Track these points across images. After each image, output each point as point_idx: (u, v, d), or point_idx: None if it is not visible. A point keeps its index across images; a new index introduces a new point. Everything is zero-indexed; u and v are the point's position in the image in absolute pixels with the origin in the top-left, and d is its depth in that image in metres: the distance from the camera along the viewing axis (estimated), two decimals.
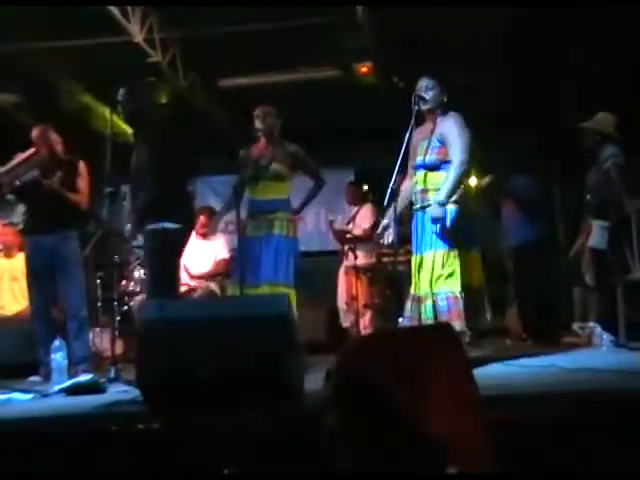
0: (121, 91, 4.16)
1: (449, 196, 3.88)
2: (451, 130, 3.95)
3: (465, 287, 3.88)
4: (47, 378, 4.10)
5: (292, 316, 2.87)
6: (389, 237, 4.14)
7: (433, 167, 4.02)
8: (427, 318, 3.85)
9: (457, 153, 3.90)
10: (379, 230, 4.21)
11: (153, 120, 4.26)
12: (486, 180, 5.85)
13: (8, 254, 5.93)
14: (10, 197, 4.73)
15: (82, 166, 4.70)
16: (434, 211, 3.89)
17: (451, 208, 3.94)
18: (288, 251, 4.41)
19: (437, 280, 3.87)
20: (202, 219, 6.14)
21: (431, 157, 4.01)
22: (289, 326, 2.81)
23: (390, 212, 4.02)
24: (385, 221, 4.13)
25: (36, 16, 5.85)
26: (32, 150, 4.61)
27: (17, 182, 4.55)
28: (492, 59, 6.57)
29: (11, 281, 5.79)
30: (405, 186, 4.18)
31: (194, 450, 2.47)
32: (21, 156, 4.61)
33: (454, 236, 3.92)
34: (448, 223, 3.91)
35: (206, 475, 2.37)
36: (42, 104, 7.58)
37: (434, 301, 3.86)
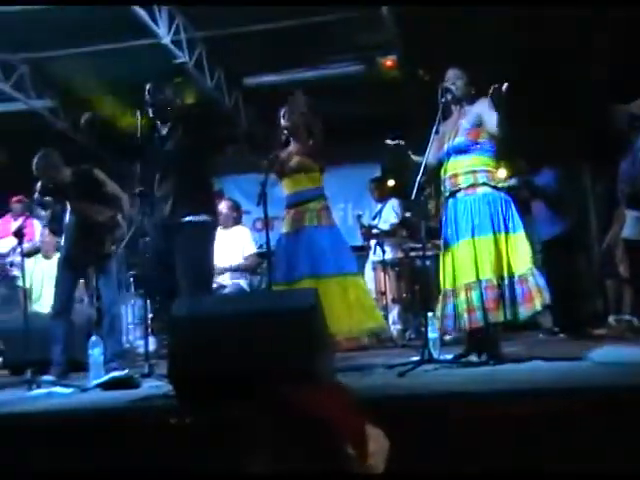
0: (148, 86, 4.20)
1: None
2: (486, 110, 3.81)
3: (509, 274, 3.74)
4: (61, 377, 4.19)
5: (320, 309, 2.89)
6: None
7: (462, 149, 3.88)
8: (476, 308, 3.71)
9: (497, 126, 3.74)
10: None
11: (180, 114, 4.31)
12: (512, 182, 5.78)
13: (47, 255, 6.21)
14: (48, 199, 4.80)
15: (97, 173, 4.68)
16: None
17: (484, 191, 3.83)
18: (322, 240, 4.33)
19: (482, 267, 3.73)
20: (223, 209, 6.13)
21: (460, 139, 3.90)
22: (317, 319, 2.83)
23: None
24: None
25: (66, 22, 5.97)
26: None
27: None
28: (518, 49, 6.52)
29: (50, 281, 5.93)
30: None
31: (225, 444, 2.51)
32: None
33: (494, 220, 3.79)
34: (486, 207, 3.80)
35: (236, 470, 2.42)
36: (76, 108, 7.74)
37: (481, 289, 3.70)
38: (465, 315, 3.76)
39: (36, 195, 4.58)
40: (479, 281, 3.73)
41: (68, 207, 4.54)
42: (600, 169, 6.29)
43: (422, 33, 6.37)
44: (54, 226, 4.63)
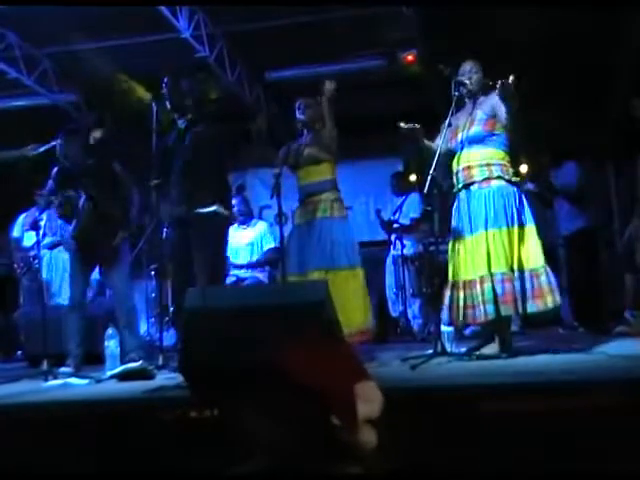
0: (165, 79, 4.22)
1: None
2: (499, 104, 3.78)
3: (519, 268, 3.71)
4: (77, 369, 4.21)
5: (331, 302, 2.89)
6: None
7: (477, 139, 3.85)
8: (487, 301, 3.68)
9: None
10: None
11: (198, 107, 4.32)
12: (530, 187, 5.70)
13: (68, 247, 6.15)
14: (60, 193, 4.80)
15: (115, 166, 4.64)
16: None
17: (498, 184, 3.80)
18: (333, 232, 4.34)
19: (495, 261, 3.71)
20: (237, 205, 6.12)
21: (476, 128, 3.86)
22: (327, 312, 2.83)
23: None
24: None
25: (88, 16, 6.04)
26: None
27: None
28: (541, 43, 6.44)
29: None
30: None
31: (236, 437, 2.52)
32: None
33: (507, 214, 3.76)
34: (500, 201, 3.78)
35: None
36: (99, 102, 7.82)
37: (493, 282, 3.68)
38: (481, 307, 3.72)
39: (49, 182, 4.59)
40: (492, 274, 3.69)
41: (82, 195, 4.53)
42: (622, 163, 6.19)
43: (443, 28, 6.33)
44: (66, 212, 4.60)
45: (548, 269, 3.75)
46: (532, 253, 3.75)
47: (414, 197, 6.96)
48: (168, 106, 4.28)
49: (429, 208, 5.67)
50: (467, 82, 3.91)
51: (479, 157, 3.85)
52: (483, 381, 2.85)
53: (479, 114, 3.89)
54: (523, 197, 3.85)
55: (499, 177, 3.81)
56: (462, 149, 3.91)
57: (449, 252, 3.99)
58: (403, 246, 6.54)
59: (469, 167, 3.87)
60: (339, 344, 1.11)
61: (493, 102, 3.83)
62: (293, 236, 4.43)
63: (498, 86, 3.59)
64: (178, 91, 4.24)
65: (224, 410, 2.55)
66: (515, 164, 4.04)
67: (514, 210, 3.77)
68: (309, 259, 4.28)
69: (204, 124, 4.29)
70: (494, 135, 3.85)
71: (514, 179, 3.87)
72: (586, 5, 5.38)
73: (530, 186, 5.66)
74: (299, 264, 4.30)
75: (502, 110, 3.75)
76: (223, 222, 4.24)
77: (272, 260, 6.22)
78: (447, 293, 3.93)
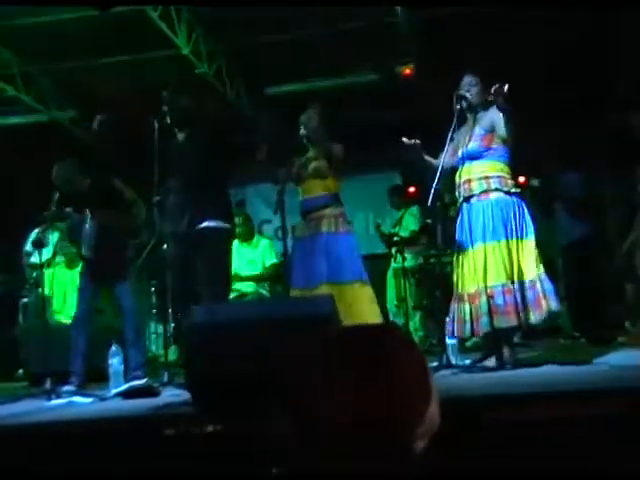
0: (165, 93, 4.23)
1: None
2: (498, 117, 3.84)
3: (519, 280, 3.74)
4: (81, 387, 4.18)
5: (337, 315, 2.90)
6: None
7: (476, 155, 3.90)
8: (483, 314, 3.72)
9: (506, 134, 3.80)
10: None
11: (198, 120, 4.33)
12: (535, 182, 5.77)
13: (70, 265, 6.17)
14: (67, 210, 4.81)
15: (116, 182, 4.60)
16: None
17: (497, 196, 3.84)
18: (339, 247, 4.37)
19: (493, 273, 3.74)
20: (239, 222, 6.14)
21: (474, 145, 3.92)
22: (334, 326, 2.83)
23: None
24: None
25: (86, 33, 6.06)
26: None
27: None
28: (540, 55, 6.49)
29: (73, 291, 5.96)
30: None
31: (243, 451, 2.52)
32: None
33: (506, 226, 3.80)
34: (499, 213, 3.81)
35: (255, 477, 2.41)
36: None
37: (489, 296, 3.72)
38: (482, 319, 3.75)
39: (53, 207, 4.58)
40: (488, 287, 3.74)
41: (87, 215, 4.54)
42: (619, 173, 6.23)
43: (439, 41, 6.38)
44: (74, 236, 4.61)
45: (543, 275, 3.78)
46: (530, 265, 3.78)
47: (413, 210, 6.99)
48: (168, 121, 4.28)
49: (429, 221, 5.72)
50: (467, 95, 3.94)
51: (478, 171, 3.91)
52: (489, 392, 2.85)
53: (477, 130, 3.95)
54: (523, 208, 3.87)
55: (497, 189, 3.86)
56: (463, 164, 3.96)
57: (454, 265, 4.02)
58: (403, 259, 6.55)
59: (469, 180, 3.93)
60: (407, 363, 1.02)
61: (492, 116, 3.88)
62: (296, 250, 4.44)
63: (492, 91, 3.63)
64: (177, 107, 4.25)
65: (234, 424, 2.56)
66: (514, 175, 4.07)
67: (513, 222, 3.81)
68: (314, 274, 4.29)
69: (204, 139, 4.30)
70: (491, 149, 3.91)
71: (514, 190, 3.90)
72: (586, 5, 5.40)
73: (535, 182, 5.70)
74: (304, 279, 4.30)
75: (500, 124, 3.80)
76: (225, 237, 4.25)
77: (274, 275, 6.24)
78: (452, 305, 3.94)
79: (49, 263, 5.87)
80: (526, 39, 6.22)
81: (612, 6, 5.34)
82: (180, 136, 4.33)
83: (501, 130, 3.81)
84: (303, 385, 1.10)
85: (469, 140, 3.93)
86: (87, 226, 4.50)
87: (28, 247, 6.70)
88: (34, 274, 6.43)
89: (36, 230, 6.68)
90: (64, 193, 4.55)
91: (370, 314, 4.28)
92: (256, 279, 6.24)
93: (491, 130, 3.89)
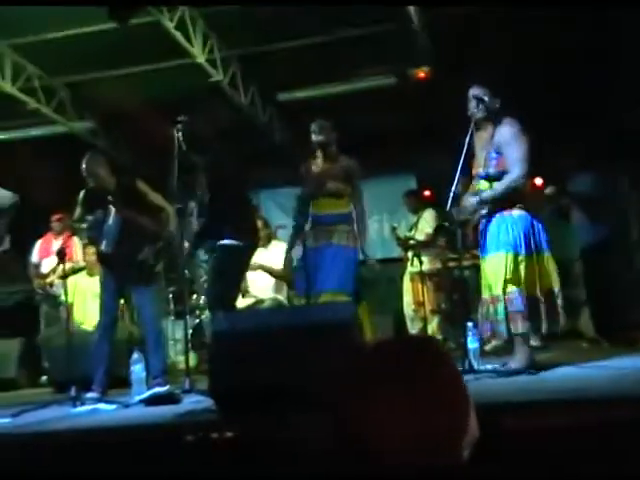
0: (180, 119, 4.21)
1: (490, 200, 3.85)
2: (505, 141, 3.87)
3: (539, 290, 3.82)
4: (104, 394, 4.21)
5: (357, 322, 2.92)
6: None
7: (495, 178, 3.94)
8: (500, 320, 3.80)
9: (515, 166, 3.82)
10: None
11: (211, 149, 4.42)
12: (550, 190, 5.75)
13: (90, 273, 6.22)
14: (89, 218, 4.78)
15: (141, 185, 4.62)
16: (466, 200, 3.88)
17: (519, 213, 3.87)
18: (346, 259, 4.45)
19: (507, 282, 3.80)
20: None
21: (490, 170, 3.95)
22: (355, 332, 2.85)
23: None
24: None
25: (103, 45, 6.13)
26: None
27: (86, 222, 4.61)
28: (553, 56, 6.47)
29: (94, 298, 6.00)
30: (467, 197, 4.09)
31: (266, 458, 2.53)
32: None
33: (523, 239, 3.83)
34: (516, 226, 3.84)
35: None
36: (115, 129, 7.92)
37: (506, 302, 3.78)
38: (501, 324, 3.80)
39: (78, 208, 4.58)
40: (507, 293, 3.78)
41: (111, 211, 4.49)
42: (638, 172, 6.19)
43: (454, 44, 6.38)
44: (94, 234, 4.58)
45: (556, 290, 3.88)
46: (550, 277, 3.87)
47: (429, 213, 6.98)
48: (183, 146, 4.26)
49: (446, 224, 5.71)
50: (485, 98, 3.93)
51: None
52: (512, 398, 2.85)
53: (492, 153, 3.94)
54: (540, 226, 3.92)
55: (517, 205, 3.88)
56: (484, 180, 4.00)
57: (481, 269, 4.08)
58: (420, 262, 6.54)
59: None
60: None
61: (501, 140, 3.90)
62: (307, 258, 4.48)
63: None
64: (191, 133, 4.27)
65: (258, 432, 2.57)
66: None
67: (531, 237, 3.85)
68: (323, 281, 4.36)
69: (221, 161, 4.37)
70: (506, 173, 3.89)
71: (536, 204, 3.97)
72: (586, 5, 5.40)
73: (551, 190, 5.70)
74: (313, 285, 4.35)
75: (508, 151, 3.84)
76: (239, 254, 4.31)
77: (289, 281, 6.23)
78: (480, 309, 4.04)
79: (71, 271, 5.92)
80: (538, 41, 6.21)
81: None
82: (198, 159, 4.39)
83: (508, 159, 3.84)
84: (344, 399, 1.11)
85: (486, 164, 3.95)
86: (110, 222, 4.47)
87: (34, 258, 6.77)
88: (47, 283, 6.52)
89: (39, 241, 6.77)
90: (90, 190, 4.55)
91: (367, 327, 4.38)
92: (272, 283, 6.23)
93: (501, 153, 3.91)
